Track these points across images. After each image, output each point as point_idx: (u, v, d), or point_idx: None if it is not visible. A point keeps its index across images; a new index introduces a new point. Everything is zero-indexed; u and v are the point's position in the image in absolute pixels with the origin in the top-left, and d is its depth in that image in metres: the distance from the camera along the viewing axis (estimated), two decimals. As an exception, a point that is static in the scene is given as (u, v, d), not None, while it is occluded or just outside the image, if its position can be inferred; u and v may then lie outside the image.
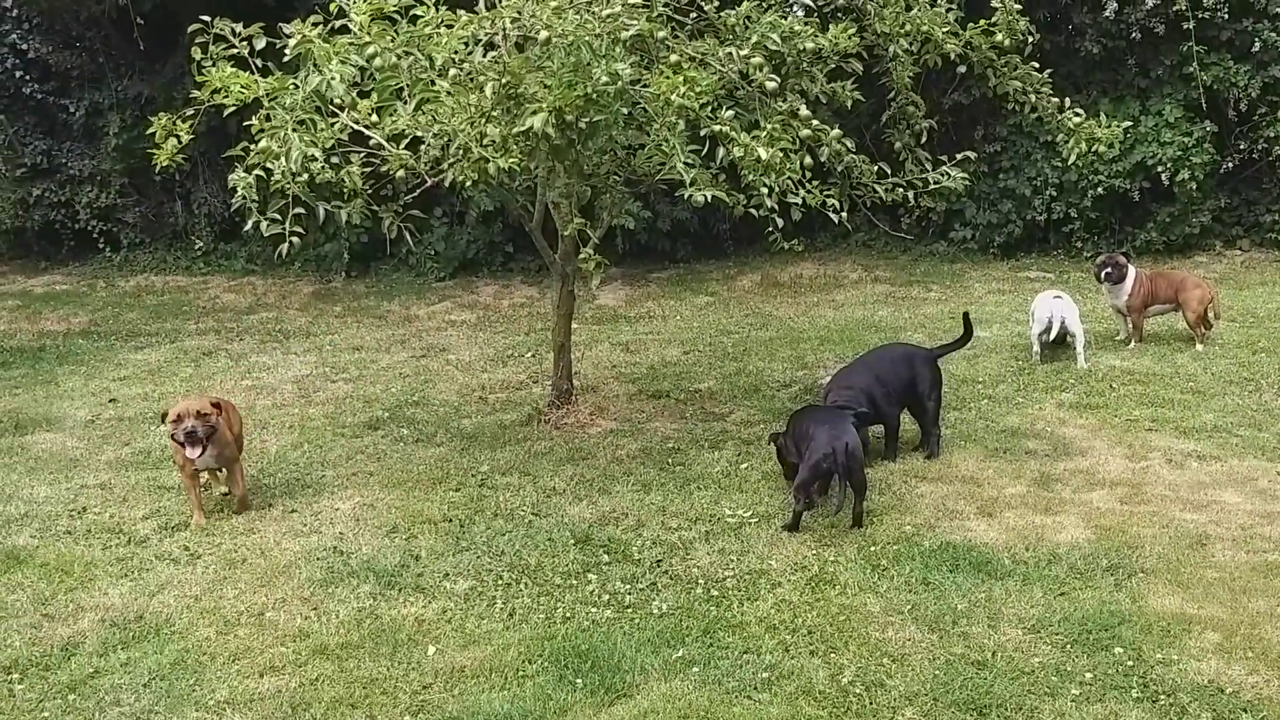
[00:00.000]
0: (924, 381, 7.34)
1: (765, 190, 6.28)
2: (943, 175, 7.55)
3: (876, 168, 7.42)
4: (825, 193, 6.65)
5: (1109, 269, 9.53)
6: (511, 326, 11.71)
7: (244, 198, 6.03)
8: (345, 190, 6.76)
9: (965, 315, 7.95)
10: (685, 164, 6.09)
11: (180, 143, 6.36)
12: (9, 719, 4.73)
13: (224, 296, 13.58)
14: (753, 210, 6.47)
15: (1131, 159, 12.65)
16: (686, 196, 6.00)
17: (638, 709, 4.57)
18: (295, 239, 5.96)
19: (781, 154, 6.30)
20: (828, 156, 6.95)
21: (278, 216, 6.22)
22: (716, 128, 6.32)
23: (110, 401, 9.40)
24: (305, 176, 6.11)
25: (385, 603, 5.58)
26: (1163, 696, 4.49)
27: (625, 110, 6.37)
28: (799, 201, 6.56)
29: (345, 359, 10.49)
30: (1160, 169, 12.63)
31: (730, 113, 6.40)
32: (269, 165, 6.03)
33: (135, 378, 10.13)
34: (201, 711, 4.70)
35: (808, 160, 6.61)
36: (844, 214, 6.83)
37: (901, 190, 7.49)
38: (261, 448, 7.99)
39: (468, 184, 6.62)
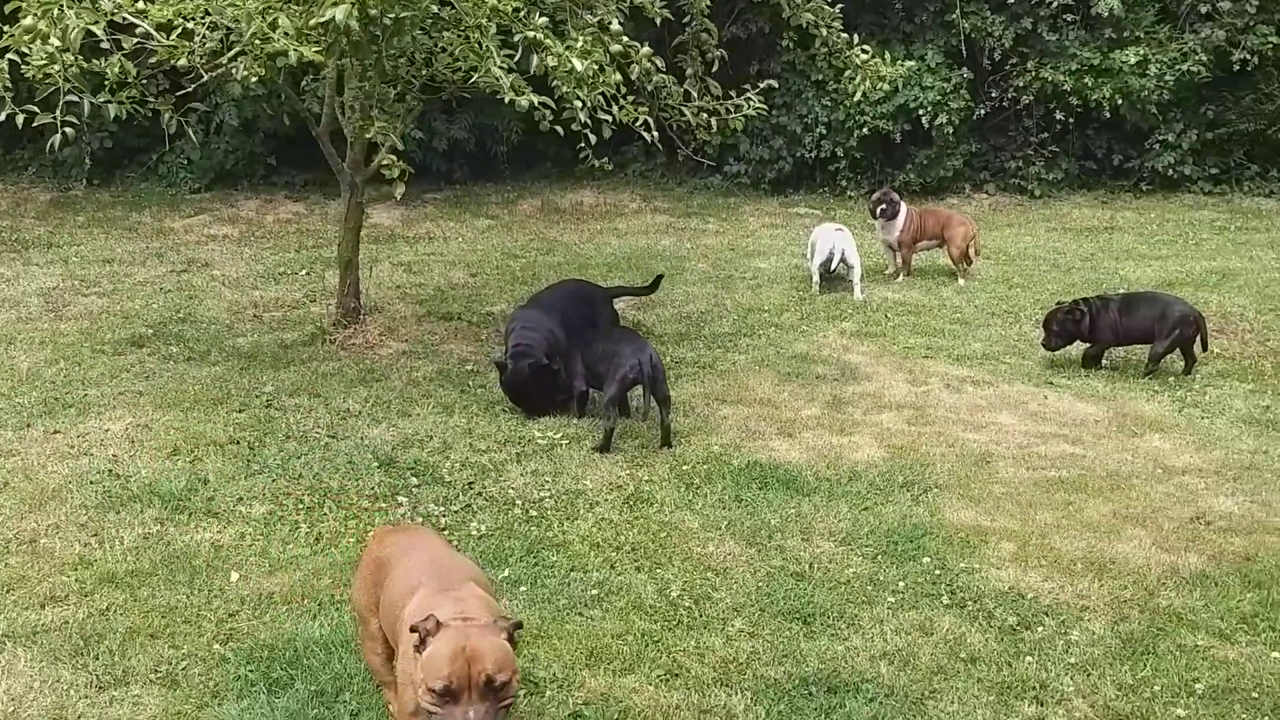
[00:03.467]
0: (602, 320, 7.43)
1: (579, 104, 6.14)
2: (745, 102, 7.61)
3: (683, 90, 7.37)
4: (640, 109, 6.56)
5: (884, 205, 9.89)
6: (280, 243, 11.04)
7: (-1, 86, 5.36)
8: (108, 83, 6.13)
9: (659, 277, 8.37)
10: (501, 69, 5.85)
11: None
12: None
13: (-56, 202, 12.18)
14: (558, 128, 6.28)
15: (895, 102, 13.11)
16: (507, 101, 5.77)
17: (466, 630, 4.40)
18: (69, 130, 5.33)
19: (596, 67, 6.16)
20: (638, 75, 6.86)
21: (34, 108, 5.59)
22: (530, 34, 6.10)
23: None
24: (74, 65, 5.51)
25: (175, 528, 5.17)
26: (970, 602, 4.73)
27: (434, 7, 6.04)
28: (610, 119, 6.46)
29: (96, 272, 9.61)
30: (921, 113, 13.17)
31: (544, 19, 6.19)
32: (26, 49, 5.41)
33: None
34: (-25, 649, 4.21)
35: (617, 77, 6.49)
36: (655, 134, 6.77)
37: (706, 115, 7.49)
38: (12, 365, 7.22)
39: (252, 80, 6.16)
